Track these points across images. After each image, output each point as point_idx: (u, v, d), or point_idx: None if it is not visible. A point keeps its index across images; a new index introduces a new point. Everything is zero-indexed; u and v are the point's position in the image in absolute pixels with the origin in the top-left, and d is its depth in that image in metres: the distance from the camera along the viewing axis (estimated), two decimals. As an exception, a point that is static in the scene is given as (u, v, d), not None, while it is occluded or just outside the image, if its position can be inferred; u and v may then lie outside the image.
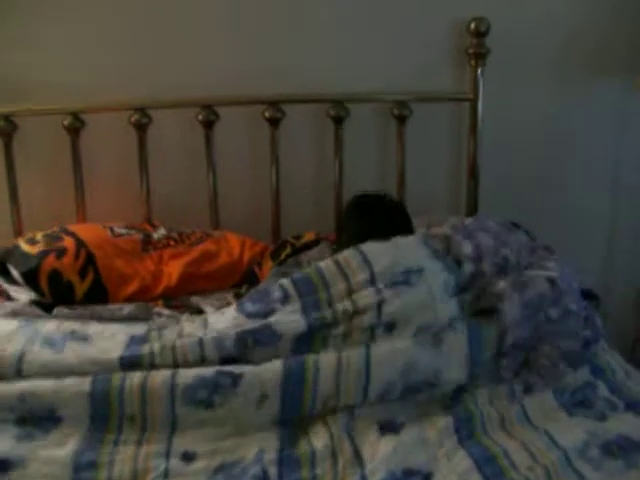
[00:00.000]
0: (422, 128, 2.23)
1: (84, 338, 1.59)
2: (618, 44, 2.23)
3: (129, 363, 1.49)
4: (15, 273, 1.92)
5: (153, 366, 1.49)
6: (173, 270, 1.95)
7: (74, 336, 1.59)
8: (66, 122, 2.12)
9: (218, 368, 1.46)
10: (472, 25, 2.13)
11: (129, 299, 1.89)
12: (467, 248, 1.72)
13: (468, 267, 1.68)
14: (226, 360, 1.49)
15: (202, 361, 1.50)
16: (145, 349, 1.52)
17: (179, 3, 2.15)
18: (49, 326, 1.65)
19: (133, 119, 2.13)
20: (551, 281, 1.67)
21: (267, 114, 2.15)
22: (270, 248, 2.08)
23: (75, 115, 2.12)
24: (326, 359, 1.46)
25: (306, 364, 1.45)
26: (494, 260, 1.72)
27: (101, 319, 1.76)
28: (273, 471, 1.30)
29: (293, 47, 2.18)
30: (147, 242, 2.03)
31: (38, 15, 2.11)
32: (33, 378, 1.45)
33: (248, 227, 2.20)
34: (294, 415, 1.42)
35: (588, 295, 1.84)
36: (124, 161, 2.20)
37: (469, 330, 1.52)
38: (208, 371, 1.45)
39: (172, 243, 2.04)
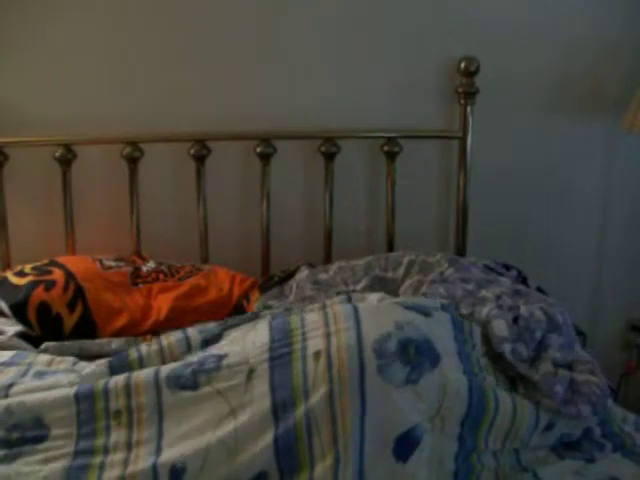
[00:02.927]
0: (411, 165, 2.26)
1: (73, 371, 1.58)
2: (606, 86, 2.28)
3: (118, 367, 1.49)
4: (2, 305, 1.90)
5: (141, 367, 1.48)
6: (162, 304, 1.94)
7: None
8: (57, 154, 2.12)
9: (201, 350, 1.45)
10: (462, 64, 2.17)
11: (118, 333, 1.87)
12: (441, 291, 1.76)
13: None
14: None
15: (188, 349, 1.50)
16: (132, 354, 1.52)
17: (172, 35, 2.16)
18: (40, 360, 1.64)
19: (125, 152, 2.14)
20: (544, 311, 1.68)
21: (258, 149, 2.16)
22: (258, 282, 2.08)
23: (67, 147, 2.12)
24: (311, 316, 1.44)
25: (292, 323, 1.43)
26: (473, 302, 1.72)
27: (89, 354, 1.75)
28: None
29: (285, 83, 2.21)
30: (136, 275, 2.02)
31: (31, 46, 2.12)
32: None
33: (238, 261, 2.20)
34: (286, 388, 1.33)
35: (576, 332, 1.86)
36: (115, 194, 2.21)
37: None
38: (191, 356, 1.45)
39: (161, 277, 2.04)
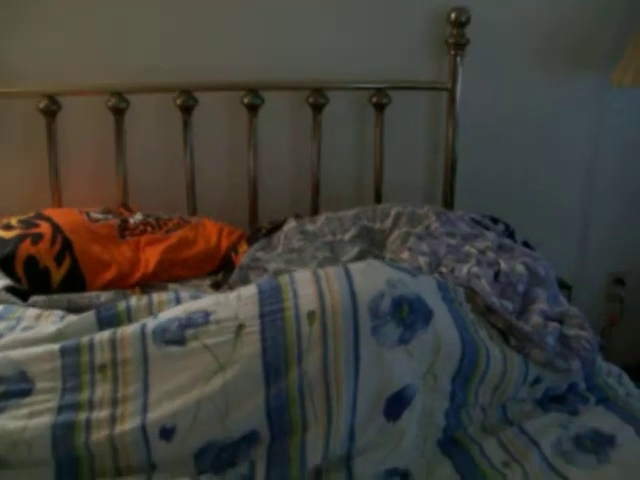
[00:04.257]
0: (400, 117, 2.24)
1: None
2: (598, 39, 2.27)
3: (106, 320, 1.45)
4: (-11, 258, 1.90)
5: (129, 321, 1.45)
6: (150, 257, 1.94)
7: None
8: (42, 105, 2.08)
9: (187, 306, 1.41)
10: (452, 15, 2.14)
11: (106, 286, 1.87)
12: (424, 248, 1.77)
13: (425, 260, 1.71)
14: None
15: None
16: (120, 306, 1.49)
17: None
18: (29, 314, 1.64)
19: (110, 103, 2.10)
20: (525, 265, 1.69)
21: (246, 100, 2.13)
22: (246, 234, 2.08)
23: (51, 98, 2.08)
24: (301, 274, 1.41)
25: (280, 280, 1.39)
26: (457, 257, 1.73)
27: (78, 307, 1.75)
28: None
29: (272, 34, 2.17)
30: (124, 228, 2.01)
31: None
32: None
33: (225, 213, 2.20)
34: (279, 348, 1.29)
35: (561, 285, 1.88)
36: (101, 145, 2.18)
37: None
38: (178, 310, 1.40)
39: (149, 229, 2.03)
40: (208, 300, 1.41)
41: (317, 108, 2.17)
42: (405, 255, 1.85)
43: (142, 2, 2.11)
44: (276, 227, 2.06)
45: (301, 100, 2.18)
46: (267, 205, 2.24)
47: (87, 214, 2.02)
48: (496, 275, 1.65)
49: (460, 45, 2.16)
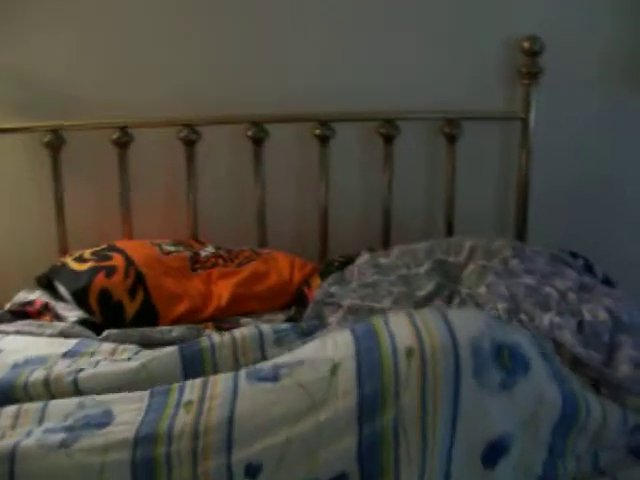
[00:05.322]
0: (471, 147, 2.20)
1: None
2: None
3: (190, 357, 1.46)
4: (63, 291, 1.91)
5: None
6: (223, 290, 1.92)
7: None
8: (114, 136, 2.10)
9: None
10: (526, 44, 2.10)
11: (178, 320, 1.86)
12: (502, 291, 1.73)
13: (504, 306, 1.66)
14: None
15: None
16: (204, 342, 1.49)
17: (225, 20, 2.13)
18: (104, 349, 1.64)
19: (182, 135, 2.11)
20: (609, 311, 1.63)
21: (317, 132, 2.12)
22: (318, 268, 2.06)
23: (123, 129, 2.10)
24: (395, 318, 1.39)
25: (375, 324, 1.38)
26: (536, 299, 1.68)
27: (151, 341, 1.74)
28: None
29: (344, 65, 2.16)
30: (195, 260, 2.00)
31: (90, 30, 2.11)
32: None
33: (295, 245, 2.18)
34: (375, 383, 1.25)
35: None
36: (171, 177, 2.19)
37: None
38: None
39: (220, 262, 2.02)
40: (305, 351, 1.39)
41: (388, 139, 2.14)
42: (482, 290, 1.80)
43: (210, 37, 2.13)
44: (349, 260, 2.03)
45: (371, 131, 2.16)
46: (337, 237, 2.21)
47: (159, 246, 2.02)
48: (579, 324, 1.60)
49: (533, 74, 2.12)
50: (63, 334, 1.76)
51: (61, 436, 1.27)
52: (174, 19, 2.12)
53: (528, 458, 1.26)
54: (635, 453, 1.39)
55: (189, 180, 2.15)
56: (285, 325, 1.56)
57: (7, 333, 1.76)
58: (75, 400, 1.38)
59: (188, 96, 2.12)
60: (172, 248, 2.03)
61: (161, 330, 1.79)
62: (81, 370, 1.47)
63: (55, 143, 2.11)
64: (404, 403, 1.21)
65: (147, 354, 1.59)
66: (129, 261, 1.91)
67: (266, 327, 1.54)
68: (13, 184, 2.21)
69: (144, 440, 1.25)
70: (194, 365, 1.45)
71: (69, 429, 1.29)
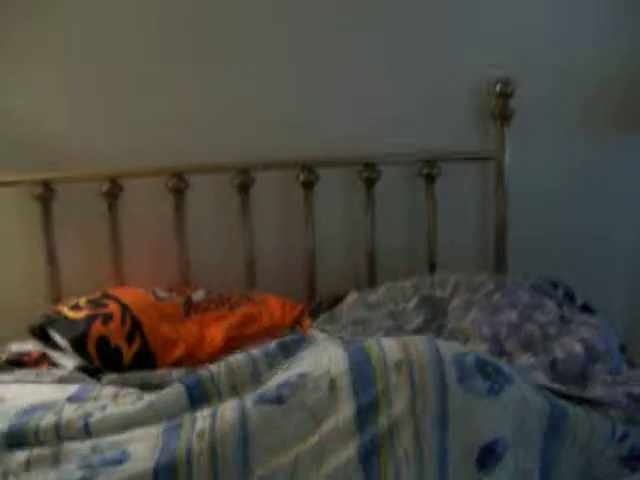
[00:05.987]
0: (449, 186, 2.29)
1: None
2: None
3: (194, 387, 1.52)
4: (59, 339, 1.93)
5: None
6: (216, 333, 1.97)
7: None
8: (104, 188, 2.16)
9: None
10: (498, 87, 2.22)
11: (175, 363, 1.90)
12: (485, 331, 1.83)
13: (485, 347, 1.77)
14: None
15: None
16: (204, 373, 1.55)
17: (211, 68, 2.22)
18: (106, 392, 1.68)
19: (170, 184, 2.18)
20: (584, 342, 1.73)
21: (301, 177, 2.20)
22: (308, 308, 2.12)
23: (113, 181, 2.16)
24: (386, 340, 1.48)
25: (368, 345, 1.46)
26: (517, 338, 1.79)
27: (150, 385, 1.78)
28: None
29: (320, 110, 2.25)
30: (189, 306, 2.06)
31: (75, 84, 2.19)
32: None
33: (283, 287, 2.23)
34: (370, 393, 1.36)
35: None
36: (160, 224, 2.25)
37: None
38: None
39: (213, 306, 2.08)
40: (302, 368, 1.46)
41: (370, 182, 2.23)
42: (467, 324, 1.89)
43: (196, 85, 2.22)
44: (337, 300, 2.10)
45: (353, 175, 2.25)
46: (323, 277, 2.28)
47: (153, 292, 2.07)
48: (552, 363, 1.70)
49: (506, 116, 2.23)
50: (63, 381, 1.79)
51: (80, 474, 1.31)
52: (163, 68, 2.21)
53: (525, 466, 1.33)
54: (625, 463, 1.45)
55: (178, 228, 2.21)
56: (272, 345, 1.61)
57: (7, 382, 1.80)
58: (88, 444, 1.41)
59: (174, 146, 2.20)
60: (165, 295, 2.08)
61: (161, 373, 1.83)
62: (89, 415, 1.50)
63: (46, 195, 2.16)
64: (396, 410, 1.31)
65: (160, 392, 1.63)
66: (125, 308, 1.95)
67: (256, 352, 1.59)
68: (1, 236, 2.26)
69: (164, 470, 1.31)
70: (200, 396, 1.51)
71: (86, 467, 1.33)
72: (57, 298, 2.19)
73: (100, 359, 1.87)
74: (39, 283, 2.23)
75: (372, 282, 2.26)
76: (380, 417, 1.32)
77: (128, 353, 1.89)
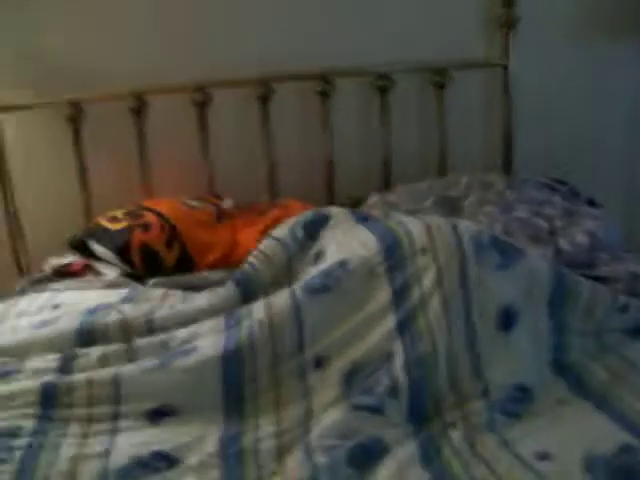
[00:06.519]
0: (457, 95, 2.40)
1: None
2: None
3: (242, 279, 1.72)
4: (102, 250, 2.04)
5: None
6: (249, 237, 2.08)
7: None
8: (131, 104, 2.25)
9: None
10: (503, -5, 2.31)
11: (212, 266, 2.03)
12: (497, 227, 1.94)
13: None
14: None
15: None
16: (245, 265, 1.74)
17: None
18: (155, 294, 1.82)
19: (194, 99, 2.27)
20: (589, 233, 1.87)
21: (319, 88, 2.30)
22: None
23: (139, 97, 2.25)
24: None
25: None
26: (527, 233, 1.92)
27: (192, 286, 1.90)
28: None
29: (337, 20, 2.34)
30: (219, 213, 2.18)
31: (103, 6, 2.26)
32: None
33: (303, 194, 2.33)
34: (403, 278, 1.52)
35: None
36: (185, 138, 2.34)
37: None
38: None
39: (242, 213, 2.20)
40: (337, 254, 1.61)
41: (383, 91, 2.33)
42: (481, 219, 2.03)
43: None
44: (357, 202, 2.23)
45: (366, 85, 2.35)
46: (341, 184, 2.40)
47: (184, 203, 2.18)
48: (557, 252, 1.84)
49: (512, 22, 2.33)
50: (112, 286, 1.92)
51: (156, 362, 1.46)
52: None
53: (538, 326, 1.51)
54: (628, 333, 1.60)
55: (202, 141, 2.32)
56: (297, 228, 1.78)
57: (60, 290, 1.92)
58: (157, 339, 1.56)
59: (198, 61, 2.28)
60: (196, 203, 2.19)
61: (202, 276, 1.96)
62: (151, 312, 1.65)
63: (75, 115, 2.25)
64: (425, 287, 1.48)
65: (194, 297, 1.77)
66: (161, 217, 2.07)
67: (285, 238, 1.77)
68: (35, 158, 2.35)
69: (231, 354, 1.46)
70: (248, 289, 1.69)
71: (161, 356, 1.48)
72: (89, 214, 2.30)
73: (144, 265, 2.00)
74: (72, 202, 2.34)
75: (387, 186, 2.38)
76: (412, 294, 1.49)
77: (169, 257, 2.01)
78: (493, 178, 2.21)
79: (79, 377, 1.46)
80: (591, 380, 1.47)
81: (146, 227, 2.03)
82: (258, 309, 1.56)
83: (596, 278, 1.68)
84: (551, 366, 1.50)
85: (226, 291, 1.70)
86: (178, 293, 1.83)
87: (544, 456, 1.26)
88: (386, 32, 2.34)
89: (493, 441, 1.31)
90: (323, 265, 1.61)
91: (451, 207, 2.14)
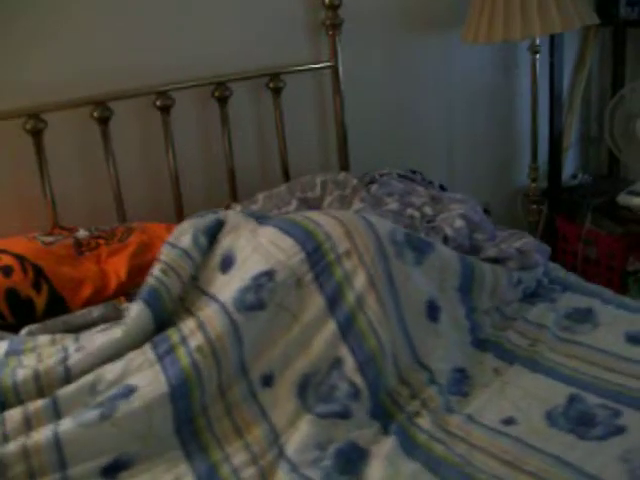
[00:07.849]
0: (292, 99, 2.45)
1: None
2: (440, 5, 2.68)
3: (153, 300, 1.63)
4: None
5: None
6: (119, 266, 1.97)
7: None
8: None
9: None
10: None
11: (86, 303, 1.88)
12: None
13: None
14: None
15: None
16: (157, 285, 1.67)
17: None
18: (41, 341, 1.65)
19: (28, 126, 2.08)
20: (462, 216, 2.01)
21: (158, 103, 2.21)
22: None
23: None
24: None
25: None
26: (403, 224, 1.99)
27: (74, 327, 1.76)
28: None
29: (168, 34, 2.26)
30: (78, 245, 2.02)
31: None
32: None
33: (152, 212, 2.27)
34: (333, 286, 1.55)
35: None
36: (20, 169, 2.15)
37: None
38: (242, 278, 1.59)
39: (102, 242, 2.05)
40: (258, 261, 1.60)
41: (223, 100, 2.31)
42: None
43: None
44: (221, 214, 2.18)
45: (206, 95, 2.31)
46: (187, 200, 2.33)
47: (36, 239, 1.99)
48: (444, 239, 1.93)
49: (336, 25, 2.42)
50: (-20, 341, 1.71)
51: (96, 412, 1.33)
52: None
53: (455, 313, 1.64)
54: (525, 302, 1.80)
55: (41, 170, 2.12)
56: (197, 234, 1.76)
57: None
58: (82, 386, 1.42)
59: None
60: (51, 239, 2.01)
61: (81, 313, 1.81)
62: (65, 358, 1.50)
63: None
64: (358, 288, 1.53)
65: (127, 320, 1.63)
66: (20, 257, 1.87)
67: (185, 244, 1.74)
68: None
69: (179, 388, 1.39)
70: (160, 309, 1.63)
71: (99, 406, 1.35)
72: None
73: (13, 313, 1.80)
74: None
75: (234, 199, 2.36)
76: (346, 297, 1.52)
77: (39, 301, 1.83)
78: (343, 176, 2.29)
79: (11, 448, 1.28)
80: (512, 347, 1.62)
81: (7, 271, 1.83)
82: (192, 334, 1.49)
83: (490, 260, 1.83)
84: (473, 345, 1.63)
85: (137, 315, 1.59)
86: (68, 335, 1.69)
87: (510, 421, 1.37)
88: (221, 42, 2.33)
89: (458, 419, 1.39)
90: (245, 275, 1.58)
91: (312, 209, 2.18)
